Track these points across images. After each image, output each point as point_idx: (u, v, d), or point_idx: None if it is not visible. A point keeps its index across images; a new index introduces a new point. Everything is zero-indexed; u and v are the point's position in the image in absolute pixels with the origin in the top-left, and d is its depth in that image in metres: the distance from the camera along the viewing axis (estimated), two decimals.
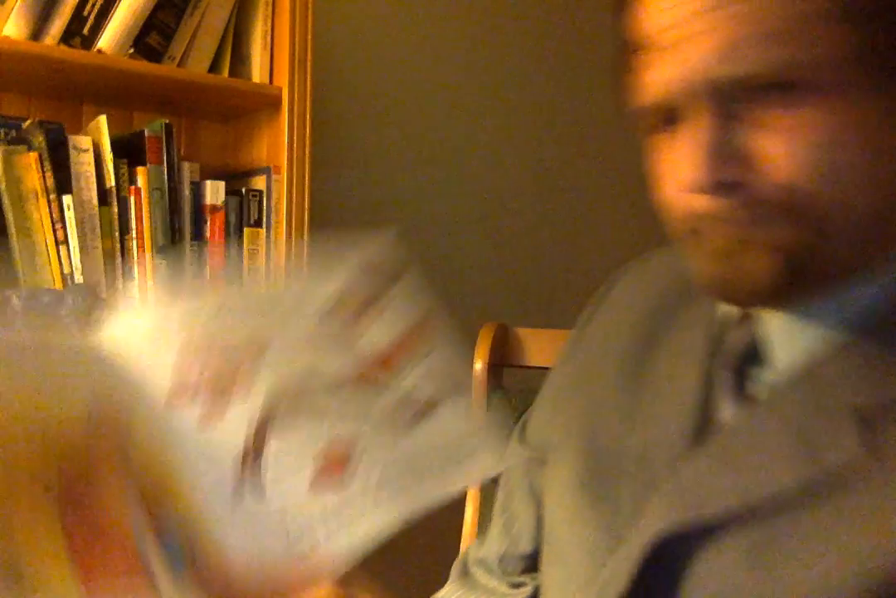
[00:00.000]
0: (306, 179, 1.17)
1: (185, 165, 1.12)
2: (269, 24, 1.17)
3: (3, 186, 0.99)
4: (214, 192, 1.14)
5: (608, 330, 0.70)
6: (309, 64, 1.16)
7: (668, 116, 0.51)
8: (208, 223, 1.14)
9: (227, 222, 1.16)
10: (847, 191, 0.48)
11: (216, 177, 1.18)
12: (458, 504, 1.02)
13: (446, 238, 1.63)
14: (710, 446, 0.56)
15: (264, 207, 1.17)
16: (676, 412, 0.58)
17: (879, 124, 0.49)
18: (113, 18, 1.03)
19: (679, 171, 0.50)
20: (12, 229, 1.00)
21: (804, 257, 0.49)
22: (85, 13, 1.02)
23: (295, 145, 1.15)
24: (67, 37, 1.02)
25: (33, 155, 1.01)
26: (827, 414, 0.51)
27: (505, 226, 1.69)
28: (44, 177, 1.01)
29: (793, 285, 0.50)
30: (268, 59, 1.17)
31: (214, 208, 1.14)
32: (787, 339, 0.54)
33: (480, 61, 1.67)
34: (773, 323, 0.55)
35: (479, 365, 1.05)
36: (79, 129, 1.16)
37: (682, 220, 0.53)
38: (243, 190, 1.17)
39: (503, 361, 1.05)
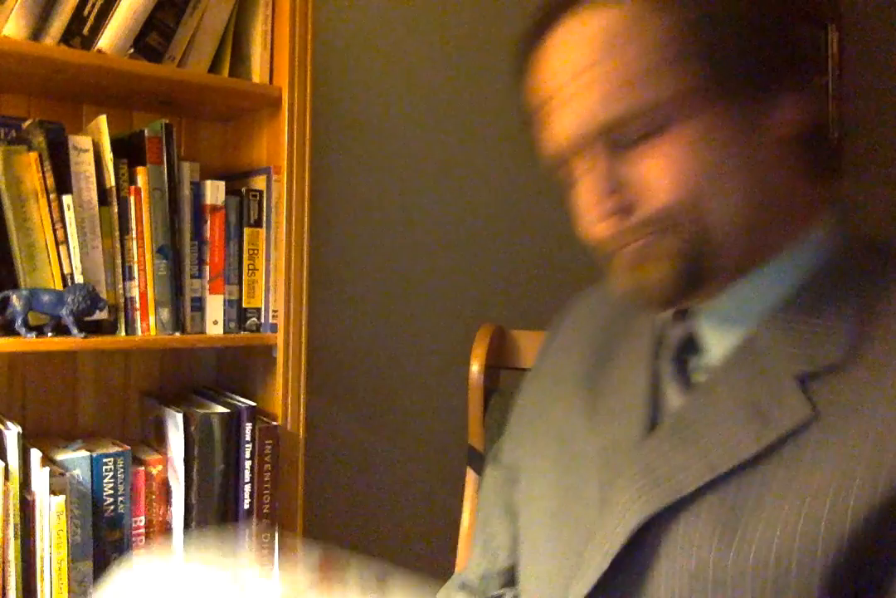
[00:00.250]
0: (306, 179, 1.17)
1: (185, 165, 1.12)
2: (269, 24, 1.17)
3: (3, 186, 1.00)
4: (214, 192, 1.14)
5: (565, 352, 0.80)
6: (309, 64, 1.16)
7: (568, 163, 0.63)
8: (208, 223, 1.14)
9: (227, 222, 1.16)
10: (723, 199, 0.58)
11: (216, 177, 1.18)
12: (452, 530, 1.02)
13: (444, 240, 1.63)
14: (669, 428, 0.62)
15: (264, 207, 1.18)
16: (630, 407, 0.66)
17: (746, 137, 0.59)
18: (113, 18, 1.03)
19: (586, 206, 0.62)
20: (12, 229, 1.00)
21: (697, 260, 0.60)
22: (85, 13, 1.02)
23: (295, 145, 1.15)
24: (67, 37, 1.02)
25: (33, 155, 1.01)
26: (768, 382, 0.59)
27: (502, 229, 1.69)
28: (44, 177, 1.01)
29: (694, 285, 0.61)
30: (268, 59, 1.17)
31: (214, 208, 1.15)
32: (716, 327, 0.64)
33: (481, 61, 1.67)
34: (701, 316, 0.64)
35: (475, 367, 1.06)
36: (79, 129, 1.17)
37: (599, 245, 0.63)
38: (243, 190, 1.17)
39: (499, 363, 1.05)
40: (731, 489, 0.57)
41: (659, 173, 0.58)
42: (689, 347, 0.65)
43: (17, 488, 0.97)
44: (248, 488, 1.10)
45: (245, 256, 1.17)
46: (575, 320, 0.82)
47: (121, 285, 1.07)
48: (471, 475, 1.05)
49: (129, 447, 1.08)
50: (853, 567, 0.51)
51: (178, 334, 1.10)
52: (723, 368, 0.62)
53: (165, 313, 1.09)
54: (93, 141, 1.05)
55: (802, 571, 0.52)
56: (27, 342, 0.98)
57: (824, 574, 0.51)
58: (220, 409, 1.10)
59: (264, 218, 1.17)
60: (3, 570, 0.96)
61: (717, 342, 0.63)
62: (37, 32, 1.00)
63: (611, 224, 0.61)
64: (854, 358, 0.57)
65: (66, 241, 1.02)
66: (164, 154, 1.09)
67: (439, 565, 0.97)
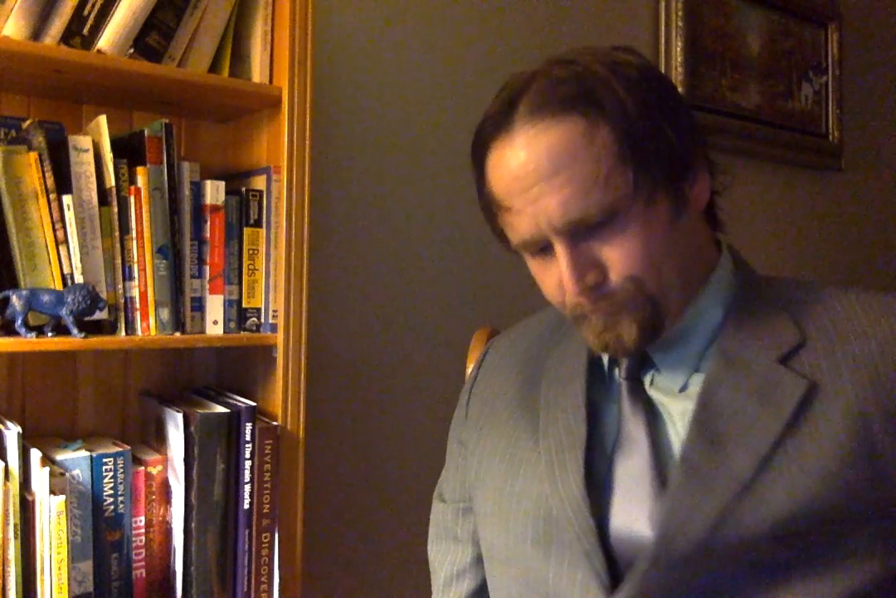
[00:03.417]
0: (306, 179, 1.17)
1: (185, 165, 1.12)
2: (269, 24, 1.17)
3: (3, 186, 1.00)
4: (214, 192, 1.14)
5: (494, 382, 0.92)
6: (309, 64, 1.16)
7: (539, 247, 0.75)
8: (208, 223, 1.14)
9: (227, 222, 1.16)
10: (666, 268, 0.74)
11: (216, 177, 1.18)
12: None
13: (444, 241, 1.63)
14: (694, 435, 0.72)
15: (264, 207, 1.17)
16: (570, 414, 0.79)
17: (672, 220, 0.74)
18: (113, 18, 1.03)
19: (557, 278, 0.74)
20: (12, 229, 1.00)
21: (654, 320, 0.74)
22: (85, 13, 1.02)
23: (295, 145, 1.15)
24: (67, 37, 1.02)
25: (33, 155, 1.01)
26: (757, 372, 0.72)
27: None
28: (44, 177, 1.01)
29: (654, 337, 0.75)
30: (268, 59, 1.17)
31: (214, 208, 1.15)
32: (659, 348, 0.78)
33: (481, 61, 1.67)
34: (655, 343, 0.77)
35: (471, 370, 1.05)
36: (79, 129, 1.17)
37: (570, 311, 0.77)
38: (243, 190, 1.17)
39: None
40: (776, 464, 0.68)
41: (621, 251, 0.72)
42: (641, 366, 0.79)
43: (17, 488, 0.96)
44: (248, 488, 1.10)
45: (245, 256, 1.17)
46: (498, 356, 0.96)
47: (121, 285, 1.07)
48: None
49: (129, 447, 1.08)
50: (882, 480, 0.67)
51: (178, 334, 1.10)
52: (711, 377, 0.74)
53: (165, 313, 1.09)
54: (93, 141, 1.05)
55: (847, 484, 0.67)
56: (27, 342, 0.98)
57: (856, 488, 0.67)
58: (220, 409, 1.10)
59: (264, 218, 1.17)
60: (3, 570, 0.96)
61: (664, 361, 0.78)
62: (37, 32, 1.00)
63: (590, 295, 0.73)
64: (807, 337, 0.73)
65: (66, 241, 1.02)
66: (164, 154, 1.09)
67: None
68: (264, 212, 1.17)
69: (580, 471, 0.74)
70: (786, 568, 0.67)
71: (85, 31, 1.03)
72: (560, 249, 0.73)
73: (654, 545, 0.69)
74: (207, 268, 1.15)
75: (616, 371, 0.81)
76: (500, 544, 0.81)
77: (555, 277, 0.75)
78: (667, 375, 0.78)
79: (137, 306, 1.08)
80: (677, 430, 0.75)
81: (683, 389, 0.77)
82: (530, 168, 0.71)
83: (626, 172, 0.70)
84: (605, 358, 0.83)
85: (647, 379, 0.79)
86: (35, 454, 0.98)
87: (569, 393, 0.81)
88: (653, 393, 0.78)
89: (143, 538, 1.10)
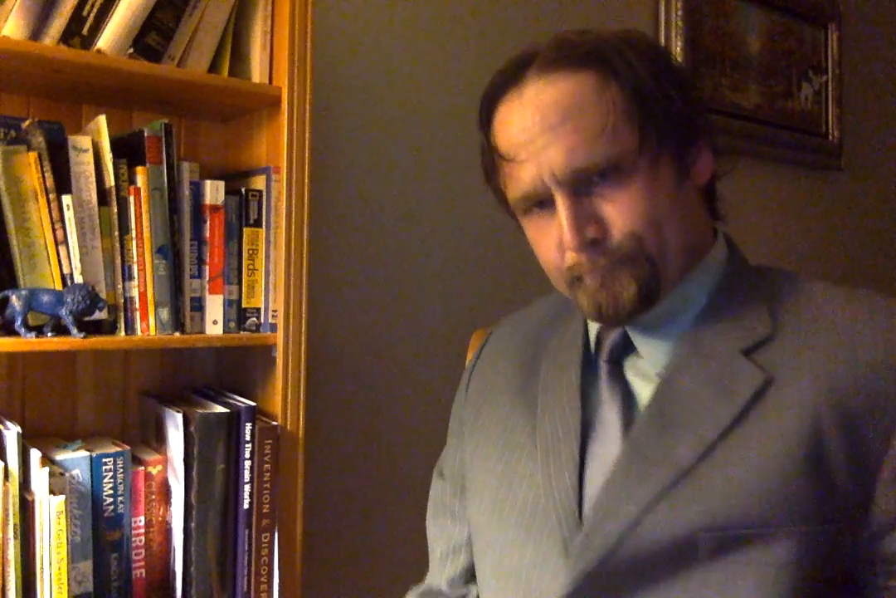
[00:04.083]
0: (306, 179, 1.17)
1: (185, 165, 1.12)
2: (269, 24, 1.17)
3: (3, 186, 1.00)
4: (214, 192, 1.14)
5: (495, 366, 0.92)
6: (309, 64, 1.16)
7: (539, 202, 0.75)
8: (208, 223, 1.14)
9: (226, 222, 1.16)
10: (666, 231, 0.73)
11: (216, 177, 1.18)
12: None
13: (443, 240, 1.63)
14: (647, 418, 0.73)
15: (264, 207, 1.17)
16: (564, 401, 0.79)
17: (677, 183, 0.75)
18: (112, 18, 1.03)
19: (556, 237, 0.74)
20: (12, 229, 1.00)
21: (651, 281, 0.73)
22: (84, 13, 1.02)
23: (295, 145, 1.15)
24: (67, 37, 1.02)
25: (33, 155, 1.01)
26: (720, 362, 0.72)
27: (502, 230, 1.69)
28: (44, 177, 1.01)
29: (649, 302, 0.74)
30: (268, 59, 1.17)
31: (214, 208, 1.15)
32: (642, 333, 0.77)
33: (481, 61, 1.67)
34: (636, 325, 0.77)
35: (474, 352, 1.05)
36: (79, 129, 1.17)
37: (565, 272, 0.76)
38: (243, 190, 1.17)
39: None
40: (718, 454, 0.68)
41: (623, 210, 0.71)
42: (623, 350, 0.78)
43: (17, 489, 0.96)
44: (248, 488, 1.10)
45: (245, 256, 1.17)
46: (499, 341, 0.96)
47: (120, 285, 1.07)
48: None
49: (128, 447, 1.08)
50: (827, 477, 0.66)
51: (177, 334, 1.10)
52: (677, 362, 0.74)
53: (165, 313, 1.09)
54: (92, 141, 1.05)
55: (787, 483, 0.66)
56: (27, 342, 0.98)
57: (798, 486, 0.66)
58: (220, 409, 1.10)
59: (264, 218, 1.17)
60: (3, 570, 0.96)
61: (645, 344, 0.77)
62: (36, 32, 1.00)
63: (589, 251, 0.72)
64: (778, 331, 0.73)
65: (65, 241, 1.02)
66: (164, 154, 1.09)
67: None
68: (264, 212, 1.17)
69: (574, 461, 0.75)
70: (730, 562, 0.66)
71: (84, 31, 1.03)
72: (561, 202, 0.72)
73: (587, 526, 0.70)
74: (207, 268, 1.15)
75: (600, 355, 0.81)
76: (486, 525, 0.81)
77: (553, 236, 0.74)
78: (646, 359, 0.77)
79: (137, 306, 1.07)
80: None
81: (660, 374, 0.76)
82: (538, 118, 0.72)
83: (632, 130, 0.71)
84: (593, 335, 0.82)
85: (627, 363, 0.79)
86: (35, 454, 0.98)
87: (564, 381, 0.80)
88: (631, 377, 0.78)
89: (142, 538, 1.10)
